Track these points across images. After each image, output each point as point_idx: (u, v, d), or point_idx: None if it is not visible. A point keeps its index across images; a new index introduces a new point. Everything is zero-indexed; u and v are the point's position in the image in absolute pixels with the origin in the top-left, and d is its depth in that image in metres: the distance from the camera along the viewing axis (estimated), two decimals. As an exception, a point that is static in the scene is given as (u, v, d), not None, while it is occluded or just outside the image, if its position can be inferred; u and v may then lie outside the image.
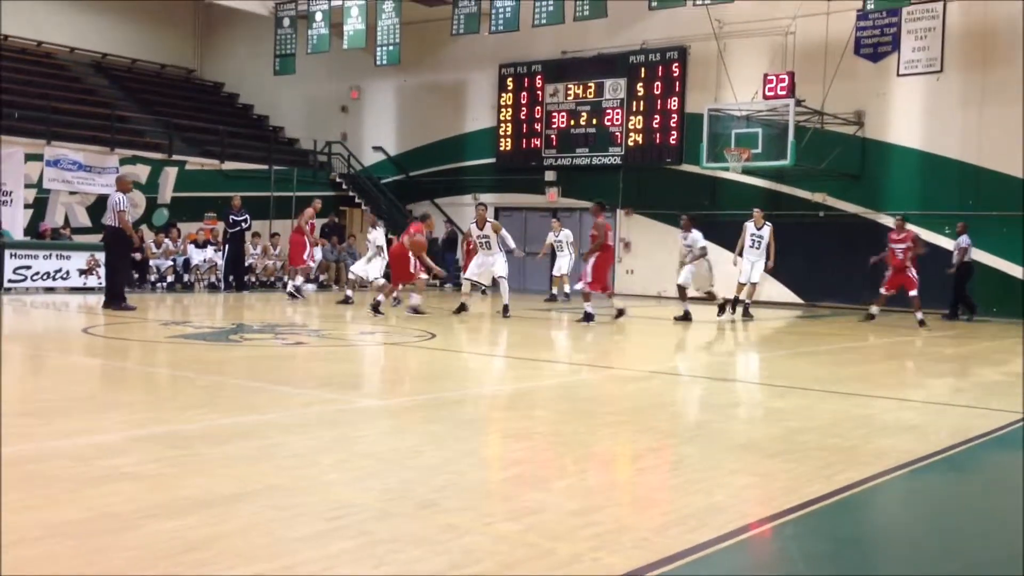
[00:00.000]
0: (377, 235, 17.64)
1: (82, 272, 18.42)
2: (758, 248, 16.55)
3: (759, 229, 16.61)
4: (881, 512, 4.63)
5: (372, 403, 6.86)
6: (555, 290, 20.61)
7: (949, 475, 5.32)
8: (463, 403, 7.09)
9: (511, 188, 25.66)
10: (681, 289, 15.66)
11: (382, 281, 17.06)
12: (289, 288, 18.51)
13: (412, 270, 14.65)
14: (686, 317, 15.24)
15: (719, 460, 5.22)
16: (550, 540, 3.65)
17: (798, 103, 19.13)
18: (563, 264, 19.91)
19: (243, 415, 6.14)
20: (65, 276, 18.21)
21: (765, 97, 19.46)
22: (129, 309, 13.97)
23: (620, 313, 14.75)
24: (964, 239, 18.43)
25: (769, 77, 19.49)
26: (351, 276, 17.49)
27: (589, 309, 14.21)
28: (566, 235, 19.94)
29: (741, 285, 16.83)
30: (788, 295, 21.48)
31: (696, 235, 15.68)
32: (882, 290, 16.17)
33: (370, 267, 17.58)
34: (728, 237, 22.22)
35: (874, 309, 16.41)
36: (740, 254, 16.89)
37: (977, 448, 5.88)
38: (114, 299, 14.25)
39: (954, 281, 18.35)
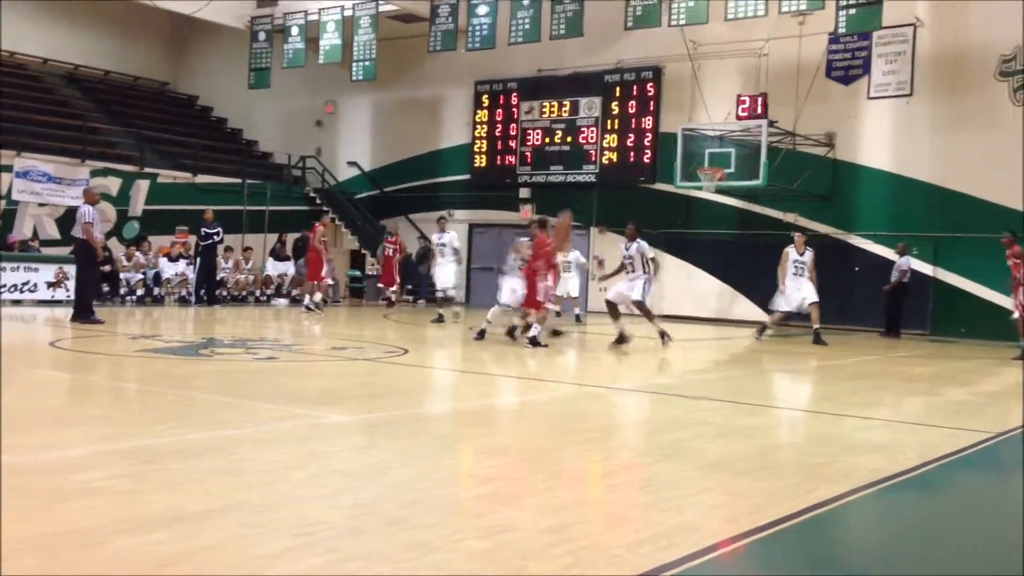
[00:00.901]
0: (450, 237, 17.49)
1: (50, 285, 18.23)
2: (801, 275, 15.97)
3: (801, 255, 16.04)
4: (851, 530, 4.66)
5: (343, 419, 6.82)
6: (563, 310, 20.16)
7: (917, 494, 5.37)
8: (434, 419, 7.07)
9: (485, 205, 25.71)
10: (641, 307, 13.85)
11: (452, 294, 16.96)
12: (306, 302, 19.29)
13: (540, 297, 13.18)
14: (663, 337, 13.72)
15: (691, 478, 5.24)
16: (521, 558, 3.64)
17: (771, 124, 19.32)
18: (570, 286, 18.70)
19: (213, 430, 6.09)
20: (33, 288, 18.00)
21: (738, 118, 19.65)
22: (97, 323, 13.86)
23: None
24: (905, 260, 18.76)
25: (742, 98, 19.69)
26: (439, 294, 17.40)
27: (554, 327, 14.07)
28: (575, 256, 18.80)
29: (783, 314, 16.24)
30: (759, 314, 21.60)
31: (643, 245, 13.96)
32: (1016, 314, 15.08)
33: (441, 274, 17.33)
34: (701, 256, 22.47)
35: None
36: (784, 281, 16.15)
37: (945, 467, 5.94)
38: (82, 312, 14.12)
39: (889, 299, 18.69)
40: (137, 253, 20.37)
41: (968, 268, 19.50)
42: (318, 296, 19.41)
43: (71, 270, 18.49)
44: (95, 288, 16.09)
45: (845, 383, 11.05)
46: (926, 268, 19.83)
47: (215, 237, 19.97)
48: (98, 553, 3.46)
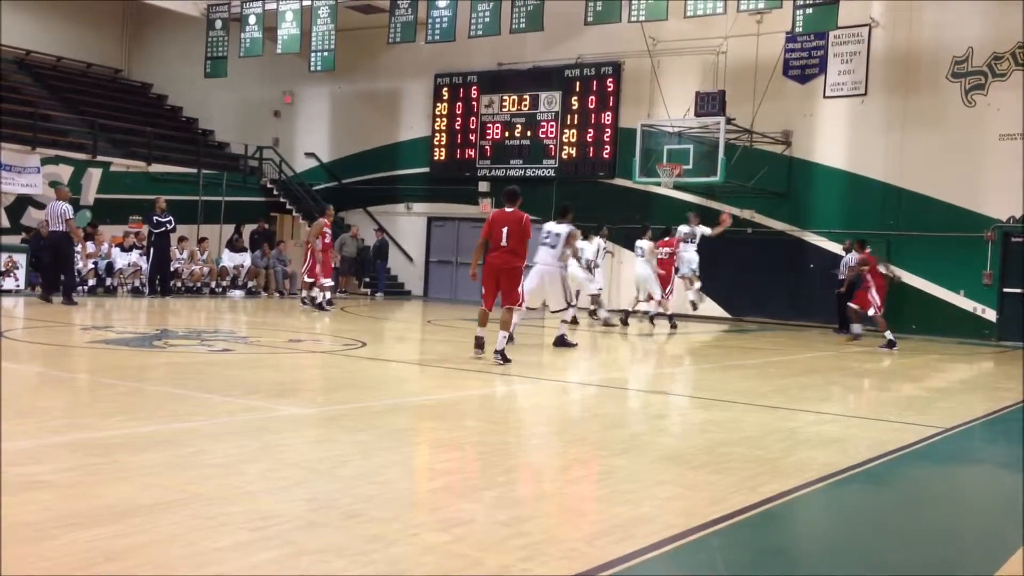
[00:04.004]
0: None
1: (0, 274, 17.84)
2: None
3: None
4: (803, 523, 4.72)
5: (299, 411, 6.77)
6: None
7: (868, 487, 5.44)
8: (391, 412, 7.04)
9: (444, 198, 25.64)
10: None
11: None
12: (319, 300, 17.58)
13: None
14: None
15: (646, 471, 5.27)
16: (478, 551, 3.63)
17: (728, 121, 19.47)
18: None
19: (166, 422, 6.00)
20: (-15, 279, 17.62)
21: (697, 114, 19.78)
22: (74, 304, 15.70)
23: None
24: (852, 256, 19.07)
25: (701, 95, 19.82)
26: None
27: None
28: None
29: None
30: (716, 309, 21.82)
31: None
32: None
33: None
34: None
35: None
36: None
37: (895, 461, 6.03)
38: (71, 295, 16.03)
39: (840, 297, 19.02)
40: (88, 244, 20.01)
41: (920, 266, 19.84)
42: (316, 292, 17.70)
43: (21, 259, 18.16)
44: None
45: (798, 378, 11.18)
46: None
47: (167, 226, 19.68)
48: (45, 547, 3.39)
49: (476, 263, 10.51)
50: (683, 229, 18.02)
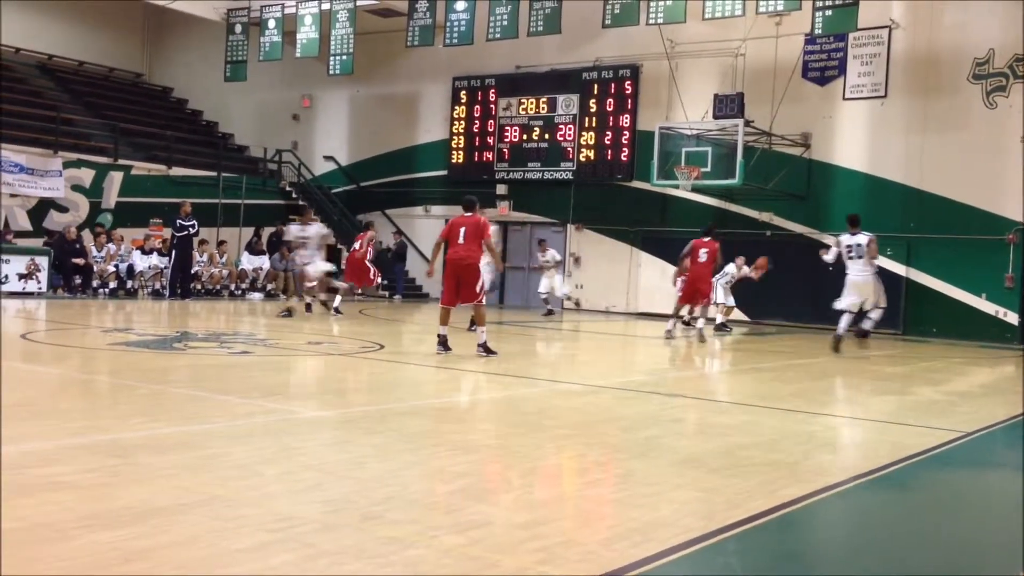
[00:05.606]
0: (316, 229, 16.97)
1: (22, 276, 18.01)
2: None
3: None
4: (822, 527, 4.69)
5: (317, 414, 6.79)
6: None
7: (889, 492, 5.41)
8: (409, 415, 7.05)
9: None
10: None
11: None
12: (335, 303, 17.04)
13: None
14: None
15: (664, 475, 5.25)
16: (495, 553, 3.63)
17: (747, 123, 19.41)
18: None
19: (185, 424, 6.04)
20: (4, 280, 17.79)
21: (715, 117, 19.72)
22: None
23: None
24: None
25: (719, 97, 19.76)
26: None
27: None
28: (551, 255, 20.67)
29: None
30: (735, 312, 21.71)
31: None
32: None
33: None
34: (677, 254, 22.45)
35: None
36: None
37: (916, 465, 5.99)
38: None
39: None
40: (109, 244, 20.17)
41: (940, 268, 19.70)
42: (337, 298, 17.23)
43: (43, 261, 18.33)
44: None
45: (818, 381, 11.12)
46: (899, 268, 20.00)
47: (190, 230, 19.81)
48: (65, 547, 3.42)
49: (435, 261, 11.36)
50: (554, 255, 20.56)
